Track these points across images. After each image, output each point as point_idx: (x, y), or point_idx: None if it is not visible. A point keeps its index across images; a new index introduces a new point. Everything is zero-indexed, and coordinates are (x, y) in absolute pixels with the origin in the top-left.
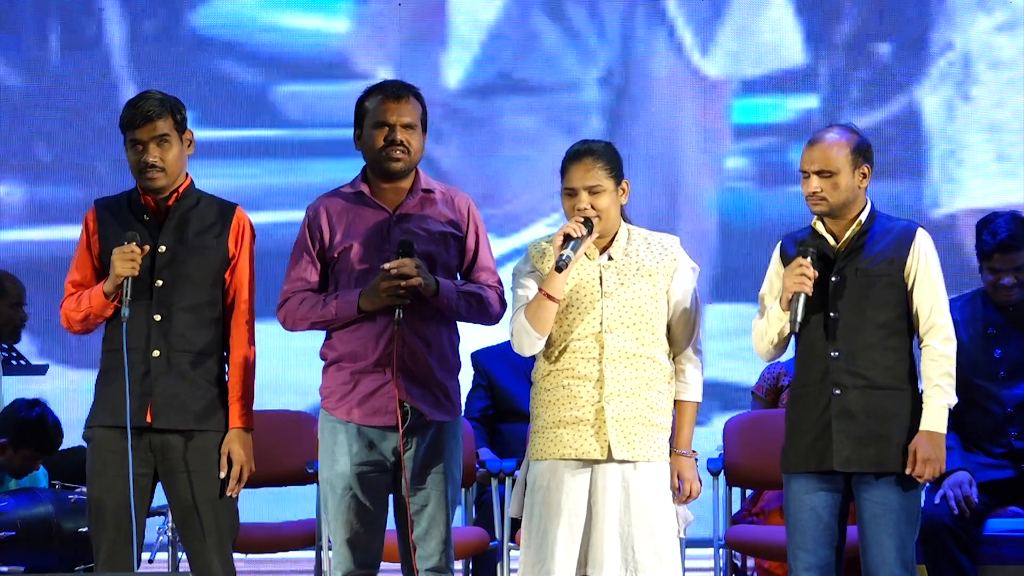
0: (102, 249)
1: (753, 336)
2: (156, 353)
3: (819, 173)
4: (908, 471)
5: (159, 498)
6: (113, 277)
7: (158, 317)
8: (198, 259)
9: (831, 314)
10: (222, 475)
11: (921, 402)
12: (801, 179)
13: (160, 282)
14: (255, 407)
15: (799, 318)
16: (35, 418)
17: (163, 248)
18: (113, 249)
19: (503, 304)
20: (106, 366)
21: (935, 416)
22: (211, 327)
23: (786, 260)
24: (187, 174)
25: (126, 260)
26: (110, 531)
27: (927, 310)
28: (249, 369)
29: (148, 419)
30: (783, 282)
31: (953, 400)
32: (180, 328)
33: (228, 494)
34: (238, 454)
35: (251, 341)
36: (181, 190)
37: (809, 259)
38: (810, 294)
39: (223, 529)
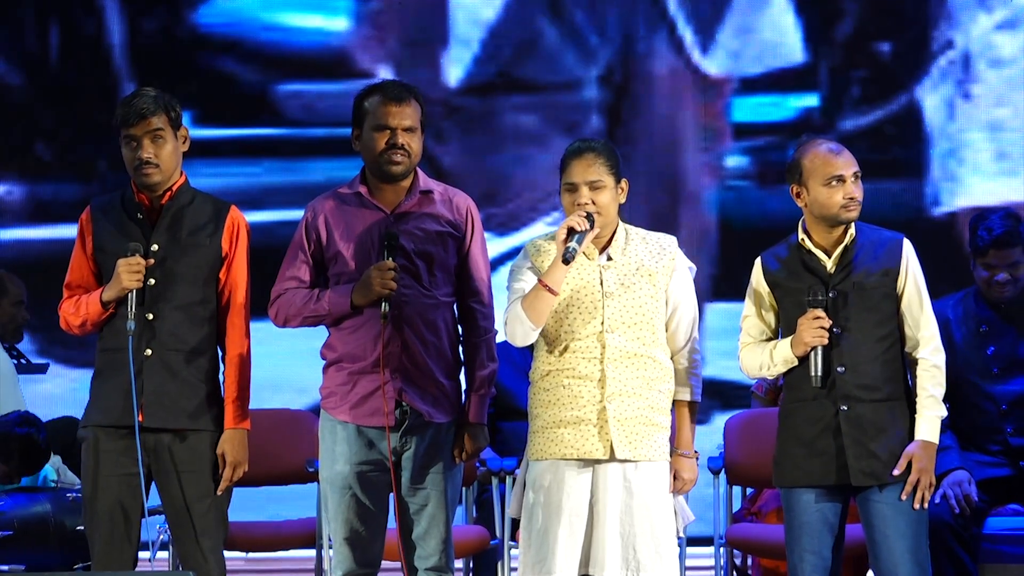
0: (95, 248)
1: (745, 364)
2: (148, 352)
3: (855, 176)
4: (897, 472)
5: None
6: (117, 288)
7: (150, 316)
8: (190, 258)
9: (833, 330)
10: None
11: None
12: (828, 188)
13: (152, 281)
14: (255, 405)
15: (820, 372)
16: (19, 435)
17: (155, 247)
18: (118, 260)
19: (494, 351)
20: (100, 366)
21: (931, 426)
22: (204, 325)
23: (769, 276)
24: (182, 172)
25: (132, 272)
26: (104, 530)
27: (918, 321)
28: (244, 368)
29: (140, 418)
30: (800, 335)
31: (944, 412)
32: (172, 327)
33: (217, 491)
34: (232, 454)
35: (246, 340)
36: (175, 188)
37: (821, 308)
38: (826, 344)
39: (216, 529)
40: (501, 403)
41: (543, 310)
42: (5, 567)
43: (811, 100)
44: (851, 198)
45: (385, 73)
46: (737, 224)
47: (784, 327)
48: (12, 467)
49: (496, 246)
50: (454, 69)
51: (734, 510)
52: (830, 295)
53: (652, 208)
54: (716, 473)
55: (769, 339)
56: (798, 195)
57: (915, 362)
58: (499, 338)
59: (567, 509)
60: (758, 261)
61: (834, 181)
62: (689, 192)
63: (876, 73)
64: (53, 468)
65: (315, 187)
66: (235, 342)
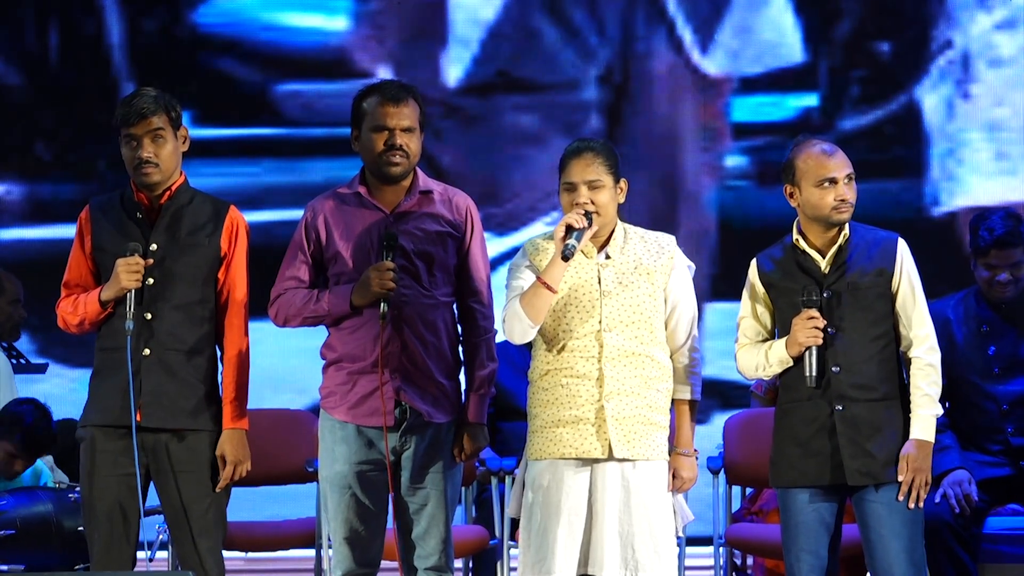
0: (94, 247)
1: (741, 365)
2: (147, 352)
3: (848, 178)
4: (901, 478)
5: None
6: (115, 288)
7: (148, 315)
8: (189, 257)
9: (828, 330)
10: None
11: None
12: (820, 189)
13: (151, 280)
14: (255, 404)
15: (815, 372)
16: (25, 411)
17: (154, 246)
18: (117, 259)
19: (494, 351)
20: (99, 366)
21: (926, 425)
22: (202, 325)
23: (763, 277)
24: (182, 172)
25: (131, 272)
26: (103, 530)
27: (912, 321)
28: (243, 368)
29: (138, 418)
30: (794, 335)
31: (939, 410)
32: (170, 326)
33: (216, 490)
34: (232, 454)
35: (245, 339)
36: (175, 188)
37: (815, 308)
38: (820, 343)
39: (214, 529)
40: (500, 403)
41: (541, 307)
42: (5, 567)
43: (810, 100)
44: (842, 200)
45: (384, 73)
46: (736, 224)
47: (780, 328)
48: (16, 447)
49: (495, 246)
50: (453, 69)
51: (733, 510)
52: (824, 295)
53: (652, 208)
54: (715, 473)
55: (765, 340)
56: (791, 195)
57: (910, 361)
58: (498, 338)
59: (566, 508)
60: (753, 262)
61: (826, 183)
62: (689, 192)
63: (875, 73)
64: (47, 467)
65: (314, 187)
66: (234, 341)
